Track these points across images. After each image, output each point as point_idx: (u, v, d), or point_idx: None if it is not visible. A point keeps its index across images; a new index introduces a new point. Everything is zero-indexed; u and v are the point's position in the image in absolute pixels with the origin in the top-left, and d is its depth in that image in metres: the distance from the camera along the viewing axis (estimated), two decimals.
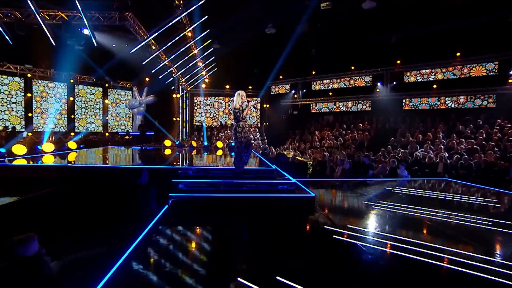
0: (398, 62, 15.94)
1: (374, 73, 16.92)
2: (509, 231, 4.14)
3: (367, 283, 2.79)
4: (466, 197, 6.19)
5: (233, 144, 10.95)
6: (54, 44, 9.36)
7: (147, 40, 11.14)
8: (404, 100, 16.06)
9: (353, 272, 2.98)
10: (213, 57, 16.97)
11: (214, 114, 20.19)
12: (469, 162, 8.38)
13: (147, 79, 17.04)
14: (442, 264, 3.14)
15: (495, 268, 3.02)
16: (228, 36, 14.89)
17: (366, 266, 3.10)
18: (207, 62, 17.32)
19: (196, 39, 13.68)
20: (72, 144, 9.17)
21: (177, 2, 9.91)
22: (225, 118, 20.10)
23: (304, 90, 19.57)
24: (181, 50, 13.76)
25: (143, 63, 12.34)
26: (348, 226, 4.22)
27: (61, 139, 14.69)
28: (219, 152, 10.20)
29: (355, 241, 3.65)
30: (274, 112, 19.99)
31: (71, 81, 15.61)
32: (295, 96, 19.74)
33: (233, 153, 6.06)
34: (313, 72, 18.95)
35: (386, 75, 16.45)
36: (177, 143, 11.98)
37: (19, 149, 7.55)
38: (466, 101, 14.24)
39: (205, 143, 12.41)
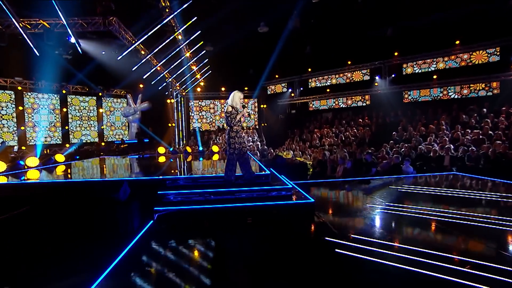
0: (396, 54, 15.40)
1: (371, 67, 16.38)
2: None
3: None
4: (480, 193, 5.65)
5: (201, 147, 10.64)
6: (38, 54, 8.91)
7: (135, 45, 10.69)
8: (404, 93, 15.50)
9: None
10: (206, 60, 16.59)
11: (211, 118, 19.74)
12: (477, 154, 7.83)
13: (141, 85, 16.63)
14: (471, 284, 2.60)
15: None
16: (220, 37, 14.47)
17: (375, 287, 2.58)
18: (200, 65, 16.92)
19: (187, 41, 13.24)
20: (59, 157, 8.71)
21: (163, 4, 9.45)
22: (222, 122, 19.72)
23: (301, 88, 19.11)
24: (172, 53, 13.32)
25: (133, 69, 11.89)
26: (353, 236, 3.70)
27: (56, 151, 14.25)
28: (216, 157, 9.73)
29: (361, 255, 3.13)
30: (272, 112, 19.56)
31: (64, 91, 15.22)
32: (292, 94, 19.28)
33: None
34: (309, 70, 18.47)
35: (384, 68, 15.91)
36: (171, 149, 11.51)
37: None
38: (470, 91, 13.66)
39: (200, 148, 11.96)
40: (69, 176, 6.21)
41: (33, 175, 6.18)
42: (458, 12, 11.87)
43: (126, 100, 17.46)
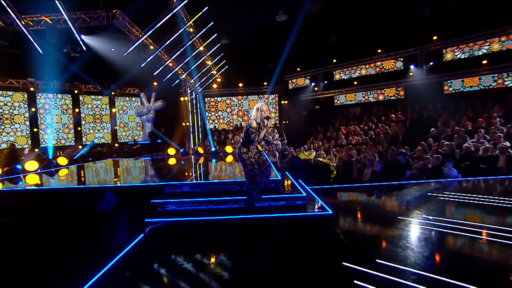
0: (435, 38, 14.06)
1: (405, 55, 15.14)
2: None
3: None
4: None
5: (213, 148, 10.09)
6: (41, 52, 8.95)
7: (142, 39, 10.49)
8: (444, 83, 14.14)
9: None
10: (222, 54, 16.25)
11: (228, 117, 19.44)
12: None
13: (155, 83, 16.58)
14: None
15: None
16: (235, 28, 14.02)
17: None
18: (216, 60, 16.61)
19: (199, 34, 12.91)
20: (62, 160, 8.74)
21: None
22: (239, 120, 19.32)
23: (325, 82, 18.23)
24: (184, 47, 13.07)
25: (142, 65, 11.74)
26: (379, 261, 3.01)
27: (69, 154, 14.57)
28: (229, 158, 9.35)
29: None
30: (294, 109, 18.86)
31: (76, 91, 15.51)
32: (316, 89, 18.45)
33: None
34: (334, 61, 17.53)
35: (420, 55, 14.63)
36: (181, 150, 11.28)
37: None
38: None
39: (213, 149, 11.59)
40: (60, 181, 5.98)
41: (30, 180, 6.06)
42: None
43: (139, 99, 17.53)
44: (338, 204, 5.40)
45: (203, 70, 16.72)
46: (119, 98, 17.35)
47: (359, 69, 17.04)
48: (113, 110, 16.95)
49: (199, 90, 18.91)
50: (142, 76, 15.02)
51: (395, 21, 13.31)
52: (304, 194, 4.66)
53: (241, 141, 3.84)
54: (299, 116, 18.39)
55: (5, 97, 13.43)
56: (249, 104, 19.58)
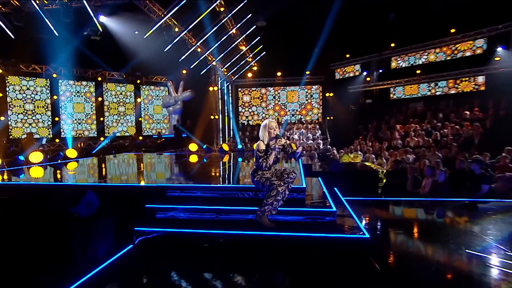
0: None
1: (489, 34, 13.25)
2: None
3: None
4: None
5: (239, 146, 9.76)
6: (56, 34, 9.20)
7: (165, 19, 10.34)
8: None
9: None
10: (258, 38, 15.78)
11: (263, 111, 19.07)
12: None
13: (184, 71, 16.67)
14: None
15: None
16: (273, 8, 13.44)
17: None
18: (251, 44, 16.20)
19: (231, 14, 12.53)
20: (71, 152, 8.88)
21: None
22: (276, 115, 18.91)
23: (380, 71, 16.99)
24: (213, 30, 12.79)
25: (165, 49, 11.67)
26: None
27: (90, 145, 15.16)
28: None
29: None
30: (340, 102, 17.92)
31: (99, 78, 16.06)
32: (368, 79, 17.28)
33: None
34: (393, 45, 16.14)
35: None
36: (204, 147, 10.96)
37: None
38: None
39: (239, 146, 11.17)
40: (46, 176, 5.89)
41: (34, 173, 6.10)
42: None
43: (167, 88, 17.74)
44: (382, 224, 4.61)
45: (236, 57, 16.48)
46: (145, 87, 17.66)
47: (425, 54, 15.43)
48: (138, 100, 17.32)
49: (232, 80, 18.70)
50: (169, 63, 15.16)
51: None
52: (334, 209, 3.99)
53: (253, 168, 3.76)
54: (346, 111, 17.49)
55: (28, 81, 14.29)
56: (287, 96, 18.99)
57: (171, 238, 3.70)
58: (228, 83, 18.63)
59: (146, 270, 3.21)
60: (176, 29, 11.82)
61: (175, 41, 11.46)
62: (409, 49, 15.76)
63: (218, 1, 11.12)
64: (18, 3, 8.87)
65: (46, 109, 14.78)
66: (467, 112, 12.21)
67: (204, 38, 13.18)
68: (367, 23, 14.71)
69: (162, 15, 10.54)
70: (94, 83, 16.03)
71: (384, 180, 7.70)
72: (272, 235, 3.52)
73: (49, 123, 14.90)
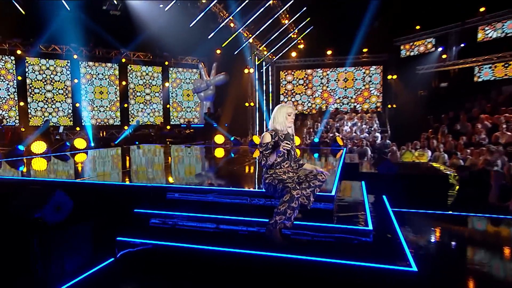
0: None
1: None
2: None
3: None
4: None
5: (316, 140, 9.49)
6: (68, 8, 9.33)
7: None
8: None
9: None
10: (305, 8, 15.10)
11: (308, 99, 18.60)
12: None
13: (217, 51, 16.52)
14: None
15: None
16: None
17: None
18: (295, 17, 15.55)
19: None
20: (79, 143, 8.91)
21: None
22: (324, 103, 18.35)
23: (462, 45, 15.47)
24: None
25: (191, 24, 11.47)
26: None
27: (113, 135, 15.65)
28: (300, 154, 8.36)
29: None
30: (406, 86, 16.79)
31: (123, 60, 16.39)
32: (444, 56, 15.96)
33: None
34: (482, 9, 14.42)
35: None
36: (232, 139, 10.77)
37: None
38: None
39: (255, 139, 10.77)
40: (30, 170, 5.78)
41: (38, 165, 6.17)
42: None
43: (198, 71, 17.73)
44: (445, 252, 3.89)
45: (277, 32, 15.98)
46: (172, 69, 17.80)
47: None
48: (166, 84, 17.48)
49: (272, 60, 18.28)
50: (200, 41, 15.10)
51: None
52: (370, 227, 3.42)
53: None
54: (413, 98, 16.41)
55: (47, 61, 14.99)
56: (337, 80, 18.20)
57: (162, 252, 3.44)
58: (268, 65, 18.22)
59: None
60: (203, 0, 11.55)
61: (201, 14, 11.17)
62: (503, 15, 13.93)
63: None
64: None
65: (66, 96, 15.41)
66: None
67: (237, 10, 12.82)
68: None
69: None
70: (117, 65, 16.42)
71: (457, 188, 6.80)
72: (283, 258, 3.07)
73: (69, 110, 15.53)
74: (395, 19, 14.72)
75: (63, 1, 9.44)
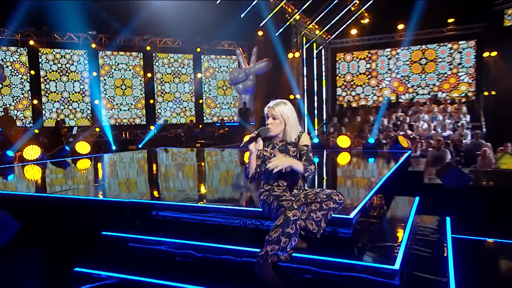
0: None
1: None
2: None
3: None
4: None
5: (371, 140, 9.56)
6: None
7: None
8: None
9: None
10: None
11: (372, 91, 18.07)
12: None
13: (259, 33, 16.33)
14: None
15: None
16: None
17: None
18: None
19: None
20: (82, 147, 9.24)
21: None
22: (392, 91, 17.68)
23: None
24: None
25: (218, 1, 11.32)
26: None
27: (138, 136, 16.03)
28: (344, 158, 8.15)
29: None
30: (510, 67, 15.22)
31: (148, 48, 16.72)
32: None
33: None
34: None
35: None
36: None
37: None
38: None
39: (315, 140, 10.46)
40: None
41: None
42: None
43: (237, 58, 17.59)
44: None
45: (332, 4, 15.51)
46: (204, 56, 17.91)
47: None
48: (198, 75, 17.69)
49: (326, 41, 17.80)
50: (236, 23, 15.08)
51: None
52: (397, 266, 2.88)
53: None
54: None
55: (62, 52, 15.75)
56: (411, 62, 16.95)
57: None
58: (321, 47, 17.77)
59: None
60: None
61: None
62: None
63: None
64: None
65: (83, 93, 16.10)
66: None
67: None
68: None
69: None
70: (142, 53, 16.91)
71: None
72: None
73: (87, 107, 16.18)
74: None
75: None
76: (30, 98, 15.34)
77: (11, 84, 15.13)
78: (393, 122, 14.54)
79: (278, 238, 2.92)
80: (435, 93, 16.93)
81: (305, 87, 16.63)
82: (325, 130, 16.52)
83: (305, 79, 16.57)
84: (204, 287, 3.12)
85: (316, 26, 16.45)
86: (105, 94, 16.57)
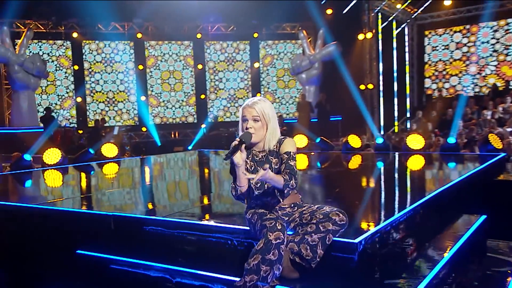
0: None
1: None
2: None
3: None
4: None
5: (451, 140, 9.20)
6: None
7: None
8: None
9: None
10: None
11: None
12: None
13: (328, 11, 16.08)
14: None
15: None
16: None
17: None
18: None
19: None
20: (108, 149, 9.57)
21: None
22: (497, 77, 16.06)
23: None
24: None
25: None
26: None
27: (187, 136, 16.24)
28: (413, 163, 7.79)
29: None
30: None
31: (198, 36, 17.03)
32: None
33: None
34: None
35: None
36: (317, 141, 10.93)
37: None
38: None
39: (379, 140, 10.25)
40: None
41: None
42: None
43: (298, 44, 17.59)
44: None
45: None
46: (261, 42, 17.85)
47: None
48: (255, 65, 17.77)
49: (410, 17, 17.05)
50: (299, 2, 15.05)
51: None
52: None
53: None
54: None
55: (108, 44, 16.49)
56: None
57: None
58: (404, 24, 16.88)
59: None
60: None
61: None
62: None
63: None
64: None
65: (128, 93, 16.72)
66: None
67: None
68: None
69: None
70: (192, 42, 17.35)
71: None
72: None
73: (133, 105, 16.87)
74: None
75: None
76: (74, 97, 16.36)
77: (55, 79, 16.28)
78: (499, 116, 13.31)
79: (258, 266, 2.82)
80: None
81: (381, 75, 15.91)
82: (408, 126, 15.69)
83: (380, 64, 15.87)
84: None
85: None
86: (152, 90, 17.20)
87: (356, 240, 2.96)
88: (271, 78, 18.27)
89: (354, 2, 14.90)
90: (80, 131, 15.38)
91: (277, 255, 2.81)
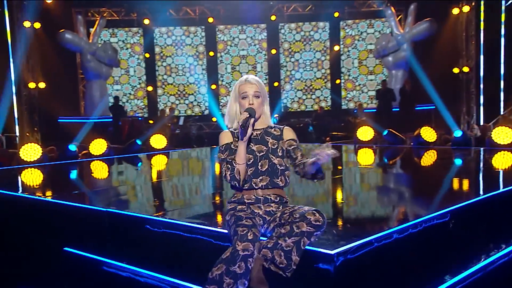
0: None
1: None
2: None
3: None
4: None
5: (457, 133, 9.69)
6: None
7: None
8: None
9: None
10: None
11: None
12: None
13: None
14: None
15: None
16: None
17: None
18: None
19: None
20: (157, 141, 9.68)
21: None
22: None
23: None
24: None
25: None
26: None
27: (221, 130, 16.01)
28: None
29: None
30: None
31: (272, 18, 16.61)
32: None
33: None
34: None
35: None
36: (384, 133, 10.55)
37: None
38: None
39: (457, 134, 9.49)
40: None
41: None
42: None
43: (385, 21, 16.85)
44: None
45: None
46: (342, 22, 17.18)
47: None
48: (335, 48, 17.39)
49: None
50: None
51: None
52: None
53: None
54: None
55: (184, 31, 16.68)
56: None
57: None
58: None
59: None
60: None
61: None
62: None
63: None
64: None
65: (198, 85, 16.76)
66: None
67: None
68: None
69: None
70: (265, 24, 17.27)
71: None
72: None
73: (203, 95, 16.95)
74: None
75: None
76: (145, 87, 17.01)
77: (128, 67, 17.03)
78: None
79: (221, 277, 2.83)
80: None
81: (482, 56, 14.44)
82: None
83: (481, 43, 14.42)
84: None
85: None
86: (222, 80, 17.39)
87: (333, 252, 2.79)
88: (351, 60, 17.66)
89: None
90: (151, 121, 15.56)
91: (244, 269, 2.77)
